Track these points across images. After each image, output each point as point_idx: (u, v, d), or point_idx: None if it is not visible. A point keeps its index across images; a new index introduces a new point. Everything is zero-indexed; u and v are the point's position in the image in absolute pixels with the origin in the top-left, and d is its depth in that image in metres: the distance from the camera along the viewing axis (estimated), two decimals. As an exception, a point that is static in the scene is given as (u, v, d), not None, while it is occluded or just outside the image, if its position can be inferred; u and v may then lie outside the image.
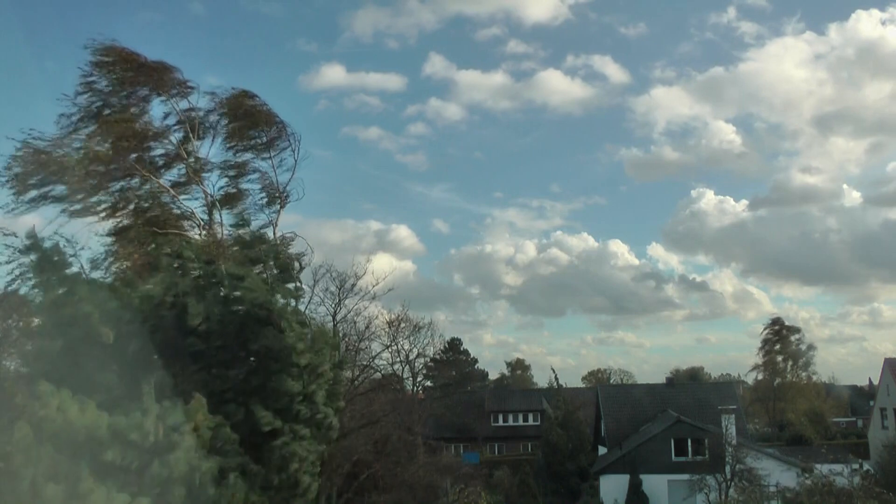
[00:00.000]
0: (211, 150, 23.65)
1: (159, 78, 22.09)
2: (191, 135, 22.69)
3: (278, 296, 12.90)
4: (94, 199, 21.07)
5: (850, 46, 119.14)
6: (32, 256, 10.88)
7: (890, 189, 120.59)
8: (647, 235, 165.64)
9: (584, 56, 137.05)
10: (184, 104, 22.81)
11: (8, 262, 12.31)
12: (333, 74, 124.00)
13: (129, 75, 21.53)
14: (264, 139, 23.79)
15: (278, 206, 23.78)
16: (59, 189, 20.47)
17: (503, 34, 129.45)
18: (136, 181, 21.97)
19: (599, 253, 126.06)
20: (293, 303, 13.49)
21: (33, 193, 20.08)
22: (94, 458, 8.54)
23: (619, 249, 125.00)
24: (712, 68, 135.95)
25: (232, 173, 24.10)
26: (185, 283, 12.34)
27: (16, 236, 13.22)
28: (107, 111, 21.30)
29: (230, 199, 23.91)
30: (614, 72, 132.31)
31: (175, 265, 12.87)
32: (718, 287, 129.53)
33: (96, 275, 14.17)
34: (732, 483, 31.89)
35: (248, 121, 23.46)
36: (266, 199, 24.18)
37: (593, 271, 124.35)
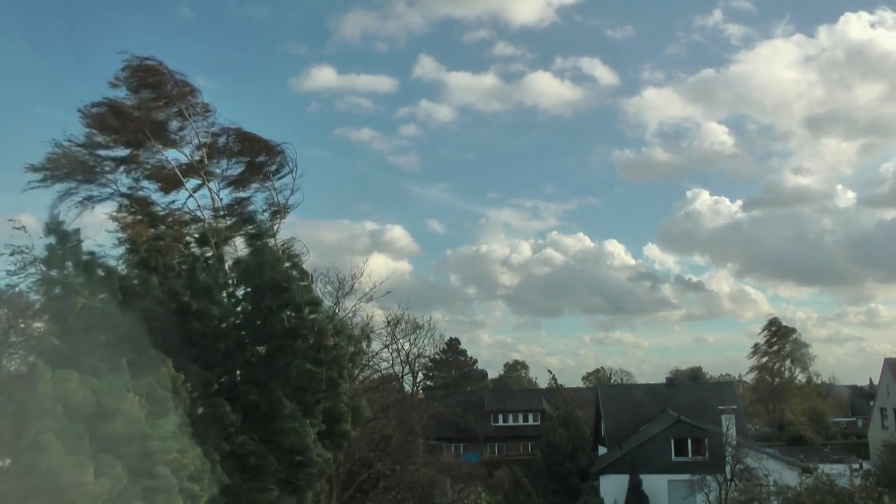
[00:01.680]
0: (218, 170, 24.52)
1: (182, 95, 22.58)
2: (205, 155, 23.29)
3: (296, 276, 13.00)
4: (109, 185, 21.67)
5: (839, 48, 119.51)
6: (51, 239, 10.95)
7: (884, 190, 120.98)
8: (643, 236, 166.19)
9: (572, 58, 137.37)
10: (203, 125, 23.52)
11: (18, 254, 12.40)
12: (324, 76, 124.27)
13: (158, 85, 22.06)
14: (265, 167, 24.61)
15: (280, 219, 24.47)
16: (85, 186, 21.14)
17: (491, 37, 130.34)
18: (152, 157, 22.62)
19: (596, 253, 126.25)
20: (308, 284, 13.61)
21: (64, 190, 20.78)
22: (91, 430, 8.79)
23: (616, 250, 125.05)
24: (703, 70, 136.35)
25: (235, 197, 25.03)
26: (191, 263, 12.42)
27: (25, 230, 13.36)
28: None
29: (235, 209, 24.73)
30: (603, 73, 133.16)
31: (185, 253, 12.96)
32: (715, 287, 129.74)
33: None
34: (732, 483, 31.90)
35: (252, 151, 24.33)
36: (270, 214, 25.00)
37: (590, 271, 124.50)
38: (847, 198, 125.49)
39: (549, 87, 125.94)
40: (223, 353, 12.44)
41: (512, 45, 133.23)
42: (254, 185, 24.85)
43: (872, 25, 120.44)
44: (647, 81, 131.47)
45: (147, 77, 21.88)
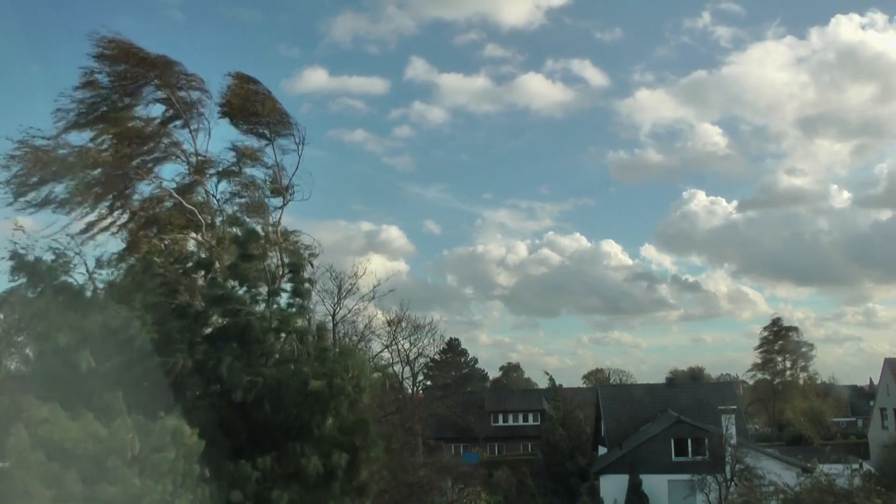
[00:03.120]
0: (210, 143, 22.57)
1: (162, 72, 21.33)
2: (191, 132, 22.15)
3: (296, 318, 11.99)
4: (94, 203, 20.81)
5: (830, 50, 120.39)
6: (20, 273, 10.74)
7: (878, 191, 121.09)
8: (640, 236, 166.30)
9: (562, 60, 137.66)
10: (186, 97, 22.02)
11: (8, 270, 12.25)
12: (316, 78, 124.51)
13: (132, 69, 20.85)
14: (265, 122, 22.53)
15: (282, 202, 23.03)
16: (60, 189, 20.16)
17: (481, 39, 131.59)
18: (137, 185, 21.72)
19: (593, 253, 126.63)
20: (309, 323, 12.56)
21: (33, 195, 19.78)
22: (81, 466, 8.51)
23: (613, 250, 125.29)
24: (694, 72, 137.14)
25: (235, 160, 22.99)
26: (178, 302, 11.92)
27: (24, 230, 13.13)
28: (104, 108, 20.80)
29: (234, 193, 23.31)
30: (594, 75, 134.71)
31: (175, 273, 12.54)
32: (712, 287, 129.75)
33: (103, 274, 13.74)
34: (732, 483, 31.89)
35: (250, 106, 22.40)
36: (270, 192, 22.91)
37: (586, 272, 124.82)
38: (842, 198, 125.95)
39: (540, 89, 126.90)
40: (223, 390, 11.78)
41: (502, 47, 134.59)
42: (255, 154, 22.89)
43: (863, 27, 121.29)
44: (639, 83, 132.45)
45: (123, 57, 20.64)
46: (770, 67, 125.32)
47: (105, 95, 20.97)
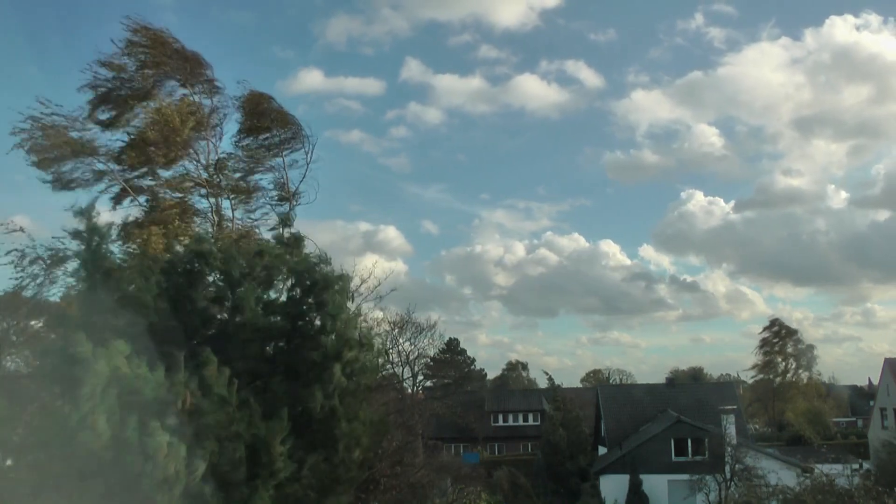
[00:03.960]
0: (222, 144, 23.14)
1: (190, 70, 21.37)
2: (205, 135, 22.11)
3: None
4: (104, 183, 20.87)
5: (825, 51, 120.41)
6: (85, 221, 10.75)
7: (875, 191, 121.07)
8: (638, 236, 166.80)
9: (557, 61, 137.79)
10: (207, 101, 22.14)
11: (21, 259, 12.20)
12: (311, 79, 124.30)
13: (163, 59, 20.78)
14: (278, 139, 23.01)
15: (288, 207, 22.97)
16: (74, 170, 20.12)
17: (475, 40, 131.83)
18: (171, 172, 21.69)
19: (591, 253, 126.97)
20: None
21: (49, 174, 19.72)
22: (152, 412, 8.87)
23: (611, 250, 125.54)
24: (690, 73, 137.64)
25: (245, 168, 23.41)
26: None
27: (22, 230, 13.12)
28: (125, 91, 20.59)
29: (241, 192, 23.33)
30: (589, 76, 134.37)
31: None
32: (711, 287, 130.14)
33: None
34: (732, 483, 31.91)
35: (264, 120, 22.82)
36: (277, 198, 23.41)
37: (584, 272, 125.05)
38: (839, 199, 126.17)
39: (535, 90, 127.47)
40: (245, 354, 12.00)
41: (496, 48, 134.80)
42: (266, 164, 22.99)
43: (858, 28, 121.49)
44: (634, 84, 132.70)
45: (156, 46, 20.50)
46: (766, 68, 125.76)
47: (127, 79, 20.78)
